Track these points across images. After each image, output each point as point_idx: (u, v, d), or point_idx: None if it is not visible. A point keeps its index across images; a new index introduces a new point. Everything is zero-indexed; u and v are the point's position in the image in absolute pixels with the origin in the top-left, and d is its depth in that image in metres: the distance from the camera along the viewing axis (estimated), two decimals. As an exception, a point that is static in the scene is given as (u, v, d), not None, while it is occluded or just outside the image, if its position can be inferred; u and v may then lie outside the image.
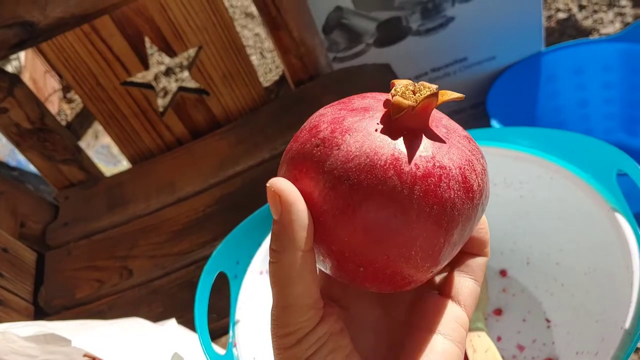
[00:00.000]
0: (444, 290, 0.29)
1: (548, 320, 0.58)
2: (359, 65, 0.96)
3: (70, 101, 1.80)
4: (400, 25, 1.05)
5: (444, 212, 0.24)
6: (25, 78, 1.51)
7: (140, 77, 1.75)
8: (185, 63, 1.76)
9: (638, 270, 0.46)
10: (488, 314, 0.62)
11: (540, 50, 1.16)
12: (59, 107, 1.78)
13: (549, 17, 1.53)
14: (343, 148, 0.24)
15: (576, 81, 1.17)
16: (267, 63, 1.68)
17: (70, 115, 1.76)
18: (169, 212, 0.88)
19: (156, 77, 1.77)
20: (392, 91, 0.26)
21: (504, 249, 0.64)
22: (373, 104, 0.27)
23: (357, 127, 0.25)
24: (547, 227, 0.59)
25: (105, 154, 1.48)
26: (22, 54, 1.55)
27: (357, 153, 0.24)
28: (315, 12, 0.98)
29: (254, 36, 1.78)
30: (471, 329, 0.58)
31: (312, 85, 0.95)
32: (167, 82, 1.74)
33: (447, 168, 0.24)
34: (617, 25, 1.44)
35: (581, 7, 1.52)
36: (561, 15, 1.52)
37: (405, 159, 0.24)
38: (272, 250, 0.25)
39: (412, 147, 0.24)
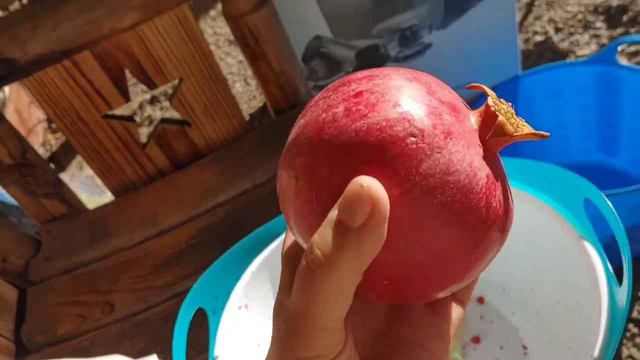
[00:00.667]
0: (432, 305, 0.27)
1: (525, 347, 0.59)
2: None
3: (55, 131, 1.80)
4: (378, 52, 1.07)
5: (495, 254, 0.23)
6: (10, 110, 1.52)
7: (123, 108, 1.75)
8: (170, 91, 1.77)
9: (605, 298, 0.47)
10: (466, 341, 0.62)
11: (517, 74, 1.18)
12: (44, 137, 1.78)
13: (527, 40, 1.56)
14: (445, 154, 0.20)
15: (553, 104, 1.19)
16: (251, 90, 1.70)
17: (55, 145, 1.76)
18: (151, 245, 0.88)
19: (141, 106, 1.78)
20: (491, 103, 0.23)
21: (480, 276, 0.64)
22: (454, 100, 0.23)
23: (457, 133, 0.21)
24: (521, 254, 0.59)
25: (90, 185, 1.48)
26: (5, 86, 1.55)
27: (459, 167, 0.20)
28: (294, 42, 1.00)
29: (238, 63, 1.80)
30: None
31: (293, 114, 0.96)
32: (151, 111, 1.75)
33: (512, 210, 0.23)
34: (593, 47, 1.47)
35: (557, 30, 1.55)
36: (538, 38, 1.55)
37: (494, 191, 0.22)
38: (321, 258, 0.20)
39: (496, 177, 0.22)
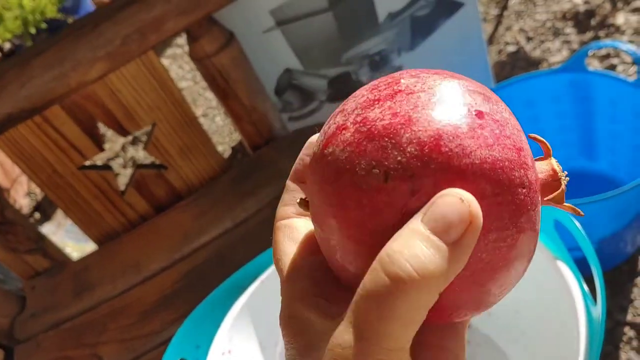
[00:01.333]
0: None
1: (513, 370, 0.59)
2: (312, 126, 0.97)
3: (39, 180, 1.80)
4: (350, 79, 1.08)
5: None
6: (-10, 164, 1.51)
7: (105, 152, 1.76)
8: (144, 137, 1.78)
9: (583, 317, 0.47)
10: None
11: (490, 87, 1.19)
12: (28, 187, 1.77)
13: (499, 52, 1.57)
14: (537, 212, 0.21)
15: (529, 114, 1.20)
16: (231, 123, 1.70)
17: (40, 194, 1.76)
18: (136, 293, 0.87)
19: (124, 147, 1.78)
20: (558, 170, 0.23)
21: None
22: (523, 142, 0.22)
23: (535, 184, 0.21)
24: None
25: (76, 232, 1.47)
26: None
27: (537, 226, 0.21)
28: (264, 77, 1.00)
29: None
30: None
31: (268, 149, 0.96)
32: (134, 151, 1.75)
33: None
34: (565, 53, 1.48)
35: (529, 39, 1.57)
36: (510, 49, 1.56)
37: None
38: (413, 274, 0.18)
39: None
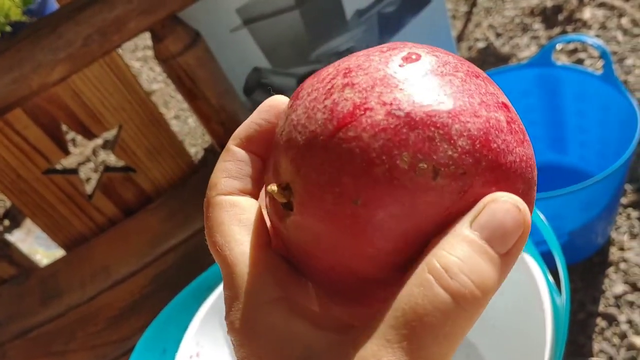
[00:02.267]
0: None
1: (483, 364, 0.59)
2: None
3: (7, 187, 1.76)
4: (319, 78, 1.07)
5: None
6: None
7: (75, 156, 1.73)
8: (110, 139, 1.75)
9: (549, 307, 0.47)
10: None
11: (460, 84, 1.19)
12: (-3, 194, 1.74)
13: (469, 48, 1.58)
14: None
15: (498, 109, 1.20)
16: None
17: (9, 201, 1.72)
18: (105, 298, 0.86)
19: (94, 151, 1.76)
20: None
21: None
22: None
23: None
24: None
25: (46, 239, 1.44)
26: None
27: None
28: (233, 76, 0.99)
29: (188, 99, 1.79)
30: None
31: (238, 149, 0.95)
32: (106, 155, 1.72)
33: None
34: (533, 49, 1.49)
35: (498, 35, 1.58)
36: (480, 45, 1.57)
37: None
38: (475, 291, 0.17)
39: None
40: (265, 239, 0.22)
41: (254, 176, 0.23)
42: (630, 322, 1.04)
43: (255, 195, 0.23)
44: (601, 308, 1.07)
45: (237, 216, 0.22)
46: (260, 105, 0.23)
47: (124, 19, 0.80)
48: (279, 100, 0.24)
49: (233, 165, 0.23)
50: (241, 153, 0.23)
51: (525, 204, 0.18)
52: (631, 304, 1.06)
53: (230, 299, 0.21)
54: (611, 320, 1.05)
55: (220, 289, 0.60)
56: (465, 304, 0.17)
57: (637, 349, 1.00)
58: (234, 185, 0.22)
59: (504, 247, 0.17)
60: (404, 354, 0.17)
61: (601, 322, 1.05)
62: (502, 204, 0.17)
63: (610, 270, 1.11)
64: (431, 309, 0.17)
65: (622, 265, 1.10)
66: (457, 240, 0.17)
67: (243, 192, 0.22)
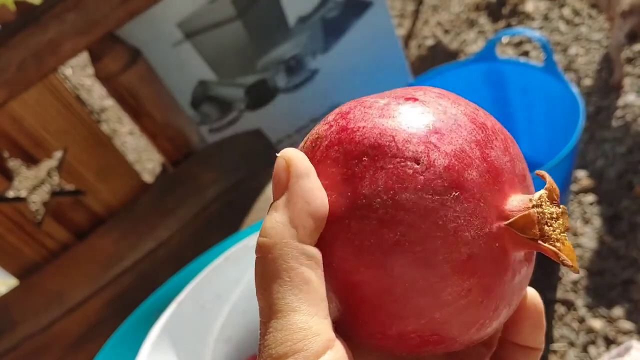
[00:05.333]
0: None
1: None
2: (230, 137, 0.96)
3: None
4: (267, 86, 1.07)
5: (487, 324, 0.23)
6: None
7: (29, 180, 1.69)
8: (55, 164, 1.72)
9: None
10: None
11: (408, 82, 1.21)
12: (-51, 224, 1.69)
13: (419, 46, 1.60)
14: (434, 203, 0.20)
15: (448, 105, 1.22)
16: (158, 138, 1.67)
17: (-37, 230, 1.68)
18: (60, 326, 0.84)
19: (49, 173, 1.72)
20: (536, 197, 0.21)
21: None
22: (509, 168, 0.22)
23: (471, 193, 0.21)
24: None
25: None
26: None
27: (442, 223, 0.20)
28: (178, 91, 0.98)
29: (142, 113, 1.77)
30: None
31: (188, 163, 0.94)
32: (52, 180, 1.69)
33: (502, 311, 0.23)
34: (480, 43, 1.52)
35: (446, 32, 1.60)
36: (429, 43, 1.59)
37: (475, 278, 0.21)
38: (259, 245, 0.20)
39: (498, 272, 0.21)
40: None
41: None
42: (588, 306, 1.06)
43: None
44: (559, 294, 1.09)
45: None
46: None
47: (58, 41, 0.79)
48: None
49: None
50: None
51: (294, 151, 0.21)
52: (587, 288, 1.08)
53: None
54: (570, 305, 1.07)
55: (169, 311, 0.59)
56: (258, 253, 0.20)
57: (596, 331, 1.03)
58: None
59: (277, 192, 0.20)
60: (264, 317, 0.20)
61: (560, 308, 1.08)
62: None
63: (566, 256, 1.13)
64: (257, 275, 0.20)
65: (577, 251, 1.13)
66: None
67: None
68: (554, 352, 1.03)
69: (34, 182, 1.70)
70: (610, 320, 1.03)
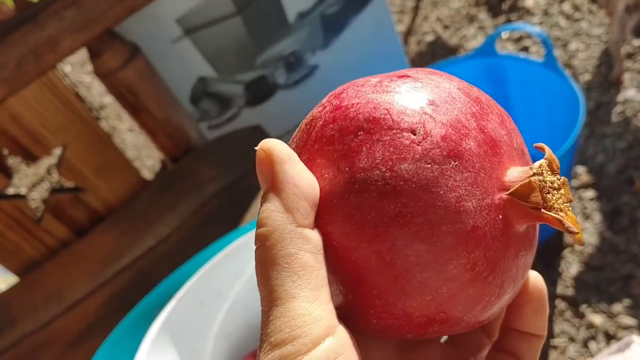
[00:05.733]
0: (453, 338, 0.25)
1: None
2: (230, 133, 0.96)
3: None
4: (267, 83, 1.07)
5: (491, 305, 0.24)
6: None
7: (29, 177, 1.69)
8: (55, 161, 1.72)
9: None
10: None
11: (409, 79, 1.20)
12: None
13: (419, 42, 1.60)
14: (434, 171, 0.20)
15: (448, 101, 1.21)
16: (158, 135, 1.67)
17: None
18: (60, 323, 0.84)
19: (49, 170, 1.72)
20: (536, 165, 0.21)
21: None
22: (507, 140, 0.22)
23: (470, 163, 0.20)
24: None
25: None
26: None
27: (442, 193, 0.20)
28: (178, 88, 0.98)
29: (141, 110, 1.76)
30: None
31: (187, 160, 0.94)
32: (52, 177, 1.69)
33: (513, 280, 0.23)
34: (480, 39, 1.51)
35: (445, 27, 1.59)
36: (429, 38, 1.59)
37: (481, 246, 0.20)
38: (257, 235, 0.20)
39: (494, 237, 0.21)
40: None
41: None
42: (588, 301, 1.06)
43: None
44: (559, 290, 1.09)
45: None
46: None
47: (57, 38, 0.78)
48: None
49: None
50: None
51: (272, 141, 0.20)
52: (588, 283, 1.08)
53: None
54: (570, 301, 1.07)
55: (169, 308, 0.59)
56: (262, 240, 0.20)
57: (596, 327, 1.03)
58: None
59: (265, 183, 0.20)
60: (265, 305, 0.20)
61: (560, 304, 1.08)
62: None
63: (566, 252, 1.13)
64: (257, 264, 0.20)
65: (578, 247, 1.13)
66: None
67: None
68: (555, 347, 1.03)
69: (33, 179, 1.70)
70: (611, 316, 1.03)
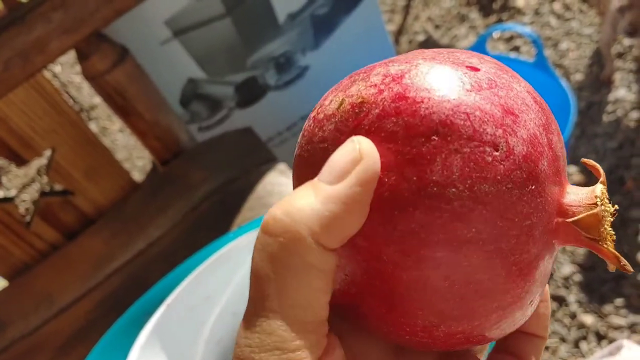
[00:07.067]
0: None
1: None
2: (220, 135, 0.95)
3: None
4: (257, 84, 1.06)
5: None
6: None
7: (20, 178, 1.68)
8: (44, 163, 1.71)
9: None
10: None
11: (400, 79, 1.20)
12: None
13: (410, 42, 1.60)
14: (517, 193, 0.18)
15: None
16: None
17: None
18: (50, 327, 0.83)
19: (39, 171, 1.71)
20: (599, 193, 0.19)
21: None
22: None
23: (544, 185, 0.19)
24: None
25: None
26: None
27: (515, 221, 0.19)
28: (167, 90, 0.97)
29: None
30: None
31: (177, 163, 0.93)
32: (42, 179, 1.68)
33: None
34: (471, 38, 1.51)
35: (436, 27, 1.59)
36: (420, 38, 1.58)
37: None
38: (273, 219, 0.17)
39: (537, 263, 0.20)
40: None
41: None
42: (579, 302, 1.06)
43: None
44: (551, 290, 1.10)
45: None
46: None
47: (45, 40, 0.78)
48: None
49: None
50: None
51: (366, 140, 0.17)
52: (579, 283, 1.08)
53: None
54: (561, 301, 1.08)
55: (158, 313, 0.59)
56: (272, 232, 0.16)
57: (587, 327, 1.03)
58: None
59: (329, 177, 0.17)
60: (254, 309, 0.17)
61: (552, 304, 1.08)
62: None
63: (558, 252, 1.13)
64: (256, 255, 0.17)
65: (568, 247, 1.13)
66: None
67: None
68: (546, 348, 1.03)
69: (23, 180, 1.69)
70: (602, 316, 1.03)
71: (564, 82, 1.01)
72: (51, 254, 0.94)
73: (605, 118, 1.27)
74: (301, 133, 0.22)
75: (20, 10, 0.77)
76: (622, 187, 1.17)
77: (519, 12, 1.49)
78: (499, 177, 0.17)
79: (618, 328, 1.00)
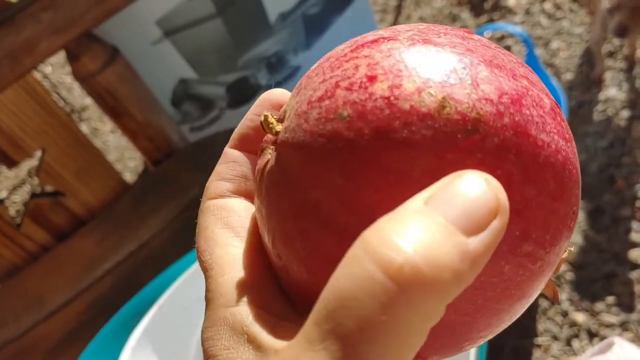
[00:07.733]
0: None
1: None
2: (212, 135, 0.95)
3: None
4: (248, 84, 1.06)
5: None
6: None
7: (7, 184, 1.67)
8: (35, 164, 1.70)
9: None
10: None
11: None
12: None
13: (401, 41, 1.60)
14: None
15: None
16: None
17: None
18: (41, 329, 0.83)
19: (29, 173, 1.70)
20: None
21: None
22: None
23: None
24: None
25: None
26: None
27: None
28: (158, 90, 0.97)
29: (124, 111, 1.75)
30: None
31: (168, 163, 0.93)
32: (32, 181, 1.67)
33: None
34: (463, 38, 1.52)
35: (428, 26, 1.60)
36: (411, 37, 1.59)
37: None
38: (419, 269, 0.12)
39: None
40: (260, 245, 0.18)
41: (249, 175, 0.20)
42: (571, 299, 1.07)
43: (251, 194, 0.20)
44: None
45: (223, 219, 0.19)
46: (256, 101, 0.20)
47: (34, 41, 0.77)
48: (275, 92, 0.20)
49: (224, 167, 0.20)
50: (234, 153, 0.20)
51: (502, 189, 0.14)
52: (570, 282, 1.09)
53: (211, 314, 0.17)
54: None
55: (150, 315, 0.59)
56: (407, 285, 0.12)
57: (579, 325, 1.03)
58: (224, 187, 0.20)
59: (468, 225, 0.13)
60: (328, 357, 0.12)
61: (543, 303, 1.08)
62: (467, 177, 0.14)
63: (549, 250, 1.14)
64: (358, 292, 0.12)
65: (560, 245, 1.13)
66: (404, 213, 0.13)
67: (235, 194, 0.20)
68: (538, 346, 1.03)
69: (14, 182, 1.68)
70: (593, 314, 1.03)
71: (554, 82, 1.02)
72: (42, 256, 0.93)
73: (596, 117, 1.28)
74: (342, 101, 0.16)
75: (9, 10, 0.76)
76: (612, 185, 1.17)
77: (510, 11, 1.50)
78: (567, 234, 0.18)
79: (609, 326, 1.00)
